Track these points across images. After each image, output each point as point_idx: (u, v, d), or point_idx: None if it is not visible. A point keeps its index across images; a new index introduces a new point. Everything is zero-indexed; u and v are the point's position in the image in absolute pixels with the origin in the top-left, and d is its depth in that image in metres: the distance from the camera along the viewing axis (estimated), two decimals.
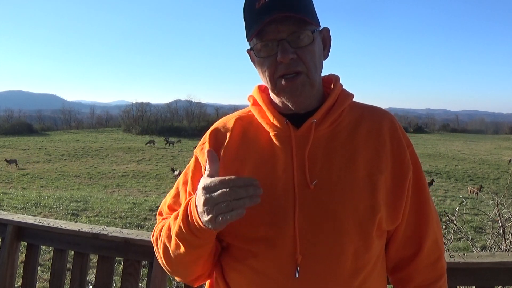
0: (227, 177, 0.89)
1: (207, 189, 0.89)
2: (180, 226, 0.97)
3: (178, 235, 0.98)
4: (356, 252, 0.99)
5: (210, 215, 0.88)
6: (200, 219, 0.91)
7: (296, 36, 0.97)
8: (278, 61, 0.97)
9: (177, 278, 1.15)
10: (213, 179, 0.90)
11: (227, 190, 0.87)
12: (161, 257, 1.10)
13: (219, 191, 0.87)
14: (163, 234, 1.07)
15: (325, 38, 1.07)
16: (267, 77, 1.01)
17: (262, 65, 1.01)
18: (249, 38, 1.01)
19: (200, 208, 0.90)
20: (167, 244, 1.04)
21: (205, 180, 0.91)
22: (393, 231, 1.08)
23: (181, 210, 0.99)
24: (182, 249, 1.00)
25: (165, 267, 1.11)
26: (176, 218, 1.01)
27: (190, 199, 0.98)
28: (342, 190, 1.00)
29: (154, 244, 1.13)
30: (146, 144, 39.46)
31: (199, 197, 0.91)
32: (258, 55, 1.00)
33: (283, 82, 0.99)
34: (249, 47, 1.06)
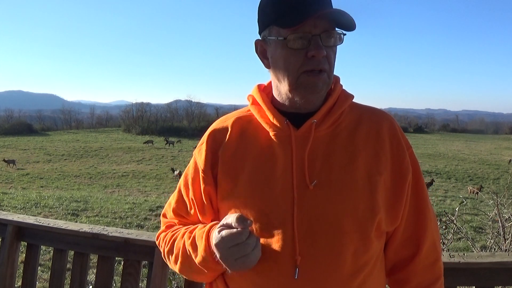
0: (234, 230, 0.92)
1: (219, 246, 0.94)
2: (204, 258, 1.00)
3: (201, 264, 1.02)
4: (355, 253, 0.99)
5: (233, 267, 0.95)
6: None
7: (328, 35, 0.98)
8: (309, 56, 0.97)
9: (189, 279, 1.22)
10: (222, 233, 0.94)
11: (240, 244, 0.92)
12: (175, 268, 1.13)
13: (235, 247, 0.92)
14: (177, 253, 1.09)
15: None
16: (291, 69, 0.99)
17: (289, 57, 0.99)
18: (281, 26, 0.98)
19: (221, 261, 0.96)
20: (186, 265, 1.08)
21: (217, 236, 0.95)
22: (392, 232, 1.09)
23: (199, 242, 1.02)
24: (205, 272, 1.04)
25: (177, 271, 1.14)
26: (193, 246, 1.04)
27: (208, 232, 1.01)
28: (342, 191, 1.00)
29: (163, 255, 1.16)
30: (144, 143, 39.59)
31: (217, 250, 0.95)
32: (290, 46, 0.98)
33: (306, 77, 0.99)
34: (259, 38, 1.06)
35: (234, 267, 0.94)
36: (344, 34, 1.01)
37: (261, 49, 1.07)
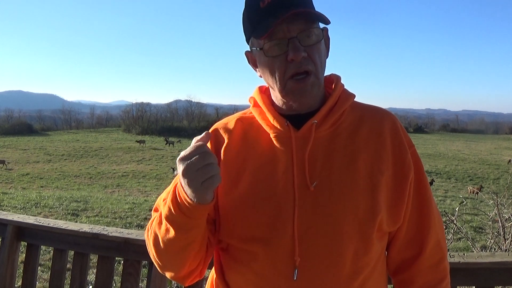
0: (198, 143, 0.90)
1: (184, 158, 0.89)
2: (169, 208, 0.95)
3: (168, 217, 0.97)
4: (355, 254, 0.98)
5: (194, 184, 0.88)
6: (187, 195, 0.91)
7: (305, 35, 0.97)
8: (289, 60, 0.96)
9: (167, 275, 1.11)
10: (188, 148, 0.90)
11: (202, 153, 0.88)
12: (151, 249, 1.06)
13: (196, 157, 0.88)
14: (154, 224, 1.04)
15: (325, 38, 1.06)
16: (277, 78, 0.99)
17: (271, 65, 0.99)
18: (256, 37, 0.99)
19: (183, 181, 0.90)
20: (157, 232, 1.01)
21: (181, 153, 0.91)
22: (395, 232, 1.08)
23: (169, 195, 0.98)
24: (172, 233, 0.97)
25: (155, 260, 1.08)
26: (165, 203, 1.00)
27: (177, 179, 0.96)
28: (342, 192, 0.99)
29: (146, 239, 1.10)
30: (136, 142, 39.62)
31: (179, 169, 0.90)
32: (267, 55, 0.98)
33: (292, 84, 0.98)
34: (247, 49, 1.06)
35: (195, 182, 0.88)
36: (324, 28, 1.00)
37: (252, 59, 1.08)
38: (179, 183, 0.93)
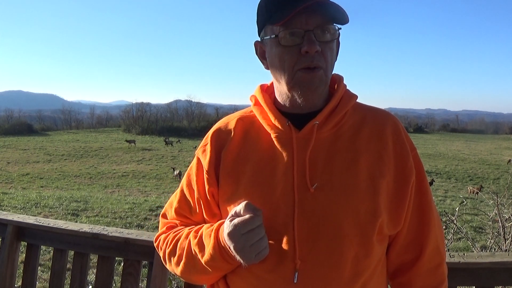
0: (247, 217, 0.92)
1: (234, 235, 0.93)
2: (213, 257, 0.99)
3: (208, 263, 1.00)
4: (356, 257, 0.98)
5: (248, 257, 0.93)
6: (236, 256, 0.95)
7: (322, 30, 0.96)
8: (302, 52, 0.95)
9: (188, 282, 1.20)
10: (235, 221, 0.93)
11: (255, 229, 0.92)
12: (174, 270, 1.11)
13: (248, 233, 0.92)
14: (181, 253, 1.07)
15: (337, 41, 1.05)
16: (286, 68, 0.98)
17: (282, 55, 0.98)
18: (272, 23, 0.98)
19: (236, 254, 0.94)
20: (190, 266, 1.06)
21: (229, 225, 0.94)
22: (395, 235, 1.07)
23: (207, 241, 1.01)
24: (209, 271, 1.02)
25: (178, 276, 1.13)
26: (200, 246, 1.02)
27: (218, 229, 1.00)
28: (343, 194, 0.98)
29: (163, 255, 1.14)
30: (126, 141, 39.47)
31: (228, 244, 0.95)
32: (281, 43, 0.97)
33: (302, 74, 0.97)
34: (258, 39, 1.06)
35: (250, 255, 0.93)
36: (339, 29, 1.00)
37: (260, 50, 1.07)
38: (224, 238, 0.96)
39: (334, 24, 0.99)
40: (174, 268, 1.11)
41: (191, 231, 1.08)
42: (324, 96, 1.05)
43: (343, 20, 0.98)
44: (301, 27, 0.95)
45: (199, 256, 1.02)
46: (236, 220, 0.93)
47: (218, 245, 0.97)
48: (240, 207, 0.94)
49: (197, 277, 1.09)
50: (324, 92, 1.04)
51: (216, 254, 0.98)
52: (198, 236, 1.04)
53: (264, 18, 1.01)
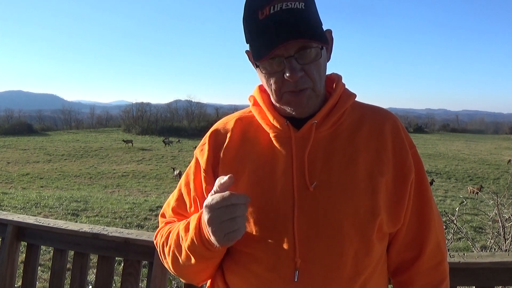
0: (226, 193, 0.90)
1: (211, 207, 0.91)
2: (193, 240, 0.98)
3: (190, 248, 0.99)
4: (356, 255, 0.98)
5: (217, 235, 0.90)
6: (210, 237, 0.94)
7: (303, 53, 0.94)
8: (285, 77, 0.94)
9: (182, 279, 1.18)
10: (214, 195, 0.91)
11: (229, 206, 0.89)
12: (168, 263, 1.11)
13: (222, 209, 0.89)
14: (171, 242, 1.07)
15: (328, 40, 1.02)
16: (273, 91, 0.98)
17: (268, 79, 0.98)
18: (255, 54, 0.96)
19: (208, 228, 0.92)
20: (177, 254, 1.05)
21: (208, 198, 0.93)
22: (395, 234, 1.07)
23: (192, 223, 1.00)
24: (193, 260, 1.01)
25: (171, 271, 1.12)
26: (186, 230, 1.01)
27: (201, 213, 0.98)
28: (342, 192, 0.98)
29: (159, 249, 1.14)
30: (123, 141, 39.40)
31: (204, 216, 0.93)
32: (264, 71, 0.97)
33: (289, 97, 0.97)
34: (247, 49, 1.04)
35: (220, 233, 0.90)
36: (322, 48, 0.96)
37: (250, 58, 1.06)
38: (203, 221, 0.95)
39: (318, 39, 0.93)
40: (167, 260, 1.10)
41: (183, 220, 1.08)
42: (319, 102, 1.04)
43: (323, 39, 0.95)
44: (282, 54, 0.93)
45: (183, 241, 1.01)
46: (215, 193, 0.92)
47: (199, 226, 0.97)
48: (221, 180, 0.93)
49: (185, 271, 1.08)
50: (316, 101, 1.02)
51: (196, 236, 0.97)
52: (186, 222, 1.04)
53: (247, 38, 1.00)
